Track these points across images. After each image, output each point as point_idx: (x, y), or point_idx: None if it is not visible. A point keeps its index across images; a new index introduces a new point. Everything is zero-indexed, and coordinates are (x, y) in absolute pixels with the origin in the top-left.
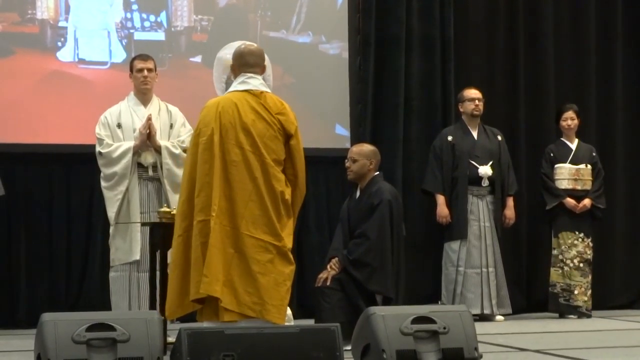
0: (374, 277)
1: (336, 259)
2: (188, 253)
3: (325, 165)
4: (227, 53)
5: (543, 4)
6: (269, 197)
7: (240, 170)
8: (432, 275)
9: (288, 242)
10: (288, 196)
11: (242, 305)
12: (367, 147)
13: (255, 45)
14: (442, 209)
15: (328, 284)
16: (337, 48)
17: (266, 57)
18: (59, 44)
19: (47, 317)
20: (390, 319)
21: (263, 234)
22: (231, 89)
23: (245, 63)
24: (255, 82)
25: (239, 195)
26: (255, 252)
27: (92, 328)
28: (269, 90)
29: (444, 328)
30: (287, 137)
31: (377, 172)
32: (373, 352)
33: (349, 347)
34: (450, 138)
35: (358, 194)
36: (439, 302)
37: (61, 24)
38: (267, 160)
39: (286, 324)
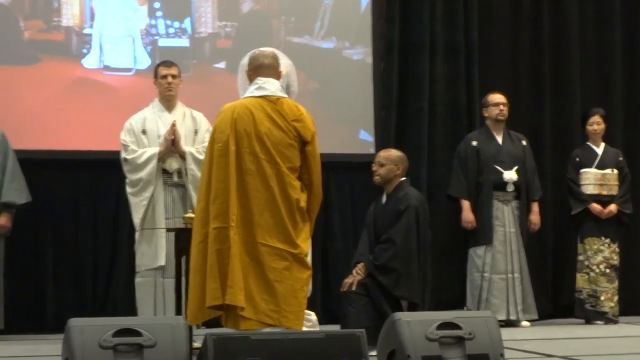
0: (400, 283)
1: (362, 264)
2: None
3: (349, 170)
4: None
5: (568, 8)
6: (284, 205)
7: (255, 179)
8: (457, 281)
9: (304, 247)
10: (303, 203)
11: (260, 313)
12: (394, 153)
13: (271, 49)
14: (467, 214)
15: (354, 289)
16: (361, 53)
17: (291, 62)
18: (84, 51)
19: (74, 322)
20: (416, 324)
21: (278, 242)
22: (247, 94)
23: (260, 67)
24: (271, 87)
25: (254, 204)
26: (271, 260)
27: (118, 333)
28: (285, 96)
29: (470, 334)
30: (304, 143)
31: (404, 178)
32: (399, 358)
33: (374, 353)
34: (474, 143)
35: (384, 199)
36: (465, 308)
37: (86, 31)
38: (282, 169)
39: (311, 329)
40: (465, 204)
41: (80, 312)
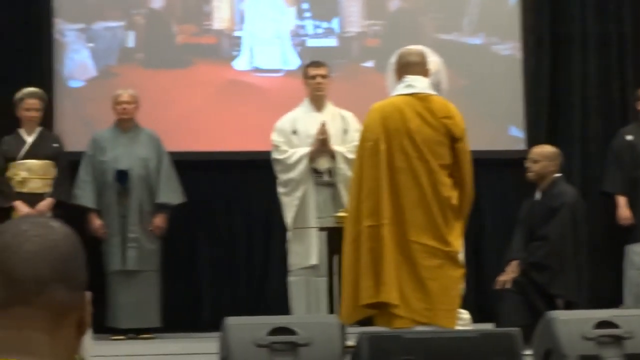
0: (555, 281)
1: (516, 261)
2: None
3: (500, 167)
4: None
5: None
6: (435, 202)
7: (406, 176)
8: (614, 279)
9: (457, 245)
10: (455, 200)
11: (413, 311)
12: (548, 149)
13: (419, 47)
14: (622, 210)
15: (508, 287)
16: (510, 48)
17: (441, 59)
18: (235, 53)
19: (230, 321)
20: (572, 323)
21: (430, 240)
22: (395, 92)
23: (408, 65)
24: (420, 85)
25: (406, 201)
26: (423, 258)
27: (273, 332)
28: (434, 93)
29: (628, 333)
30: (454, 140)
31: (559, 174)
32: (555, 357)
33: (529, 352)
34: (628, 137)
35: (539, 195)
36: (621, 307)
37: (236, 33)
38: (433, 166)
39: (465, 327)
40: (621, 200)
41: (234, 310)
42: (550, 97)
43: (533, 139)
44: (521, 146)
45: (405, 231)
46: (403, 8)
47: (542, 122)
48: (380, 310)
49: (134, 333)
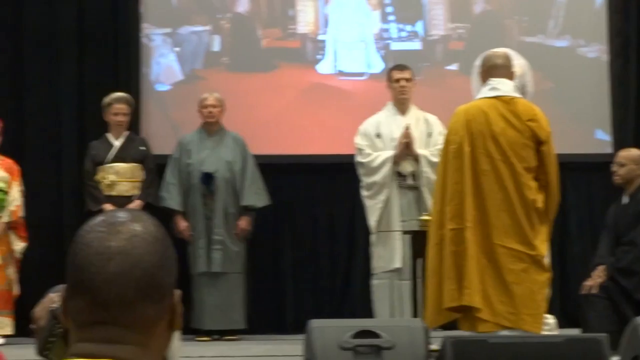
0: None
1: (602, 266)
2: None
3: (585, 171)
4: None
5: None
6: (520, 206)
7: (490, 179)
8: None
9: (542, 249)
10: (540, 204)
11: (497, 315)
12: (635, 152)
13: (504, 50)
14: None
15: (594, 292)
16: (596, 51)
17: (526, 62)
18: (319, 56)
19: (315, 323)
20: None
21: (515, 244)
22: (480, 95)
23: (493, 68)
24: (505, 88)
25: (490, 204)
26: (508, 262)
27: (358, 335)
28: (519, 96)
29: None
30: (539, 143)
31: None
32: None
33: (616, 358)
34: None
35: (626, 199)
36: None
37: (321, 37)
38: (518, 169)
39: (550, 332)
40: None
41: (318, 313)
42: (637, 99)
43: (619, 142)
44: (607, 149)
45: (489, 234)
46: (488, 11)
47: (628, 125)
48: (464, 314)
49: (219, 334)
